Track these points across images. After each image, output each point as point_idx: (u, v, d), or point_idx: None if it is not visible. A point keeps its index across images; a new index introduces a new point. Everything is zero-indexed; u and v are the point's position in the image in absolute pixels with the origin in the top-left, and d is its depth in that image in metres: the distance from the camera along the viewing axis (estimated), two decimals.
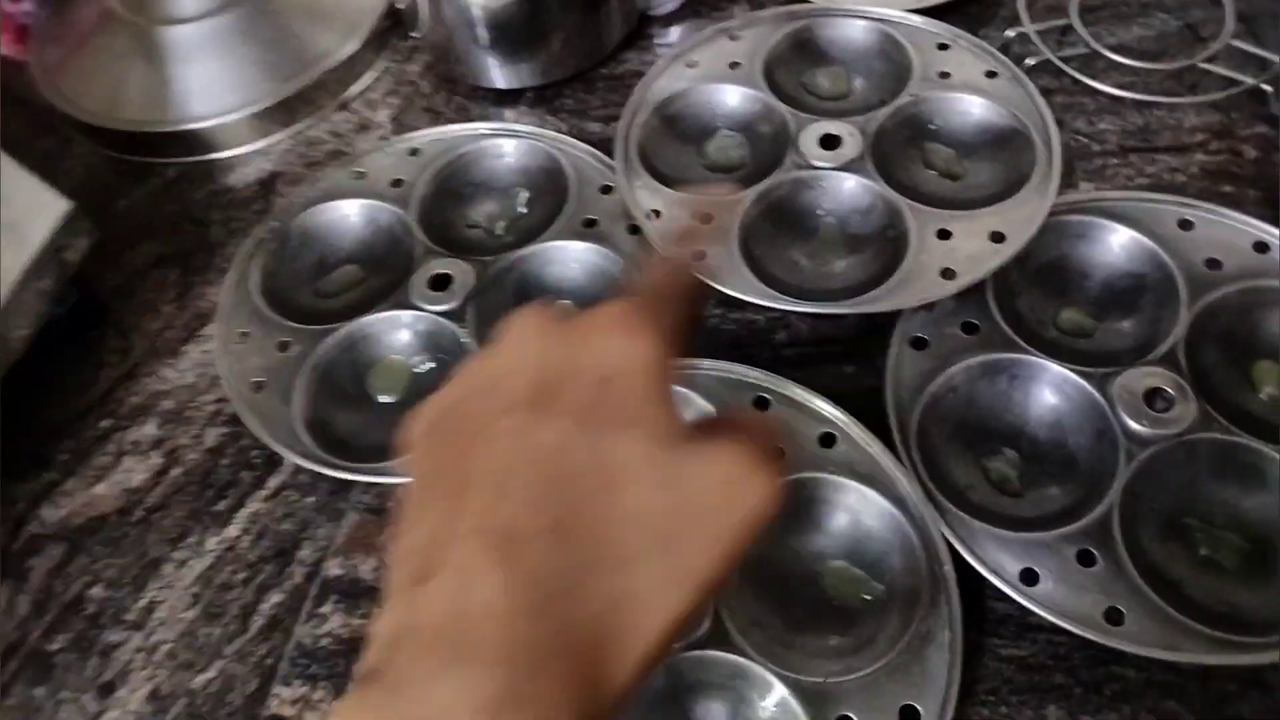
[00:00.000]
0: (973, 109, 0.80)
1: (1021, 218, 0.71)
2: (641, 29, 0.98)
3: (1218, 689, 0.58)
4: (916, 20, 0.87)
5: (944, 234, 0.71)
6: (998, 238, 0.70)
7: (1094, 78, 0.87)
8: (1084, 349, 0.68)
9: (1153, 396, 0.63)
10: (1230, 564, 0.59)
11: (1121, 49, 0.88)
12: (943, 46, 0.85)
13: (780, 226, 0.76)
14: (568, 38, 0.91)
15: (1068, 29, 0.89)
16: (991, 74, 0.82)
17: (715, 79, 0.85)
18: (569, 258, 0.76)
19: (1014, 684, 0.59)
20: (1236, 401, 0.64)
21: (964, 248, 0.70)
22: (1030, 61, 0.86)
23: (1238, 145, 0.82)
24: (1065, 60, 0.87)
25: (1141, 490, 0.60)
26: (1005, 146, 0.78)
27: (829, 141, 0.78)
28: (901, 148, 0.80)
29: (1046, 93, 0.83)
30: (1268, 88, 0.82)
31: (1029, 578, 0.58)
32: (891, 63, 0.85)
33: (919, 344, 0.68)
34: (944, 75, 0.82)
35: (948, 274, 0.69)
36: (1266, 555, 0.59)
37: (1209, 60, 0.85)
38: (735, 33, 0.88)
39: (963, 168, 0.79)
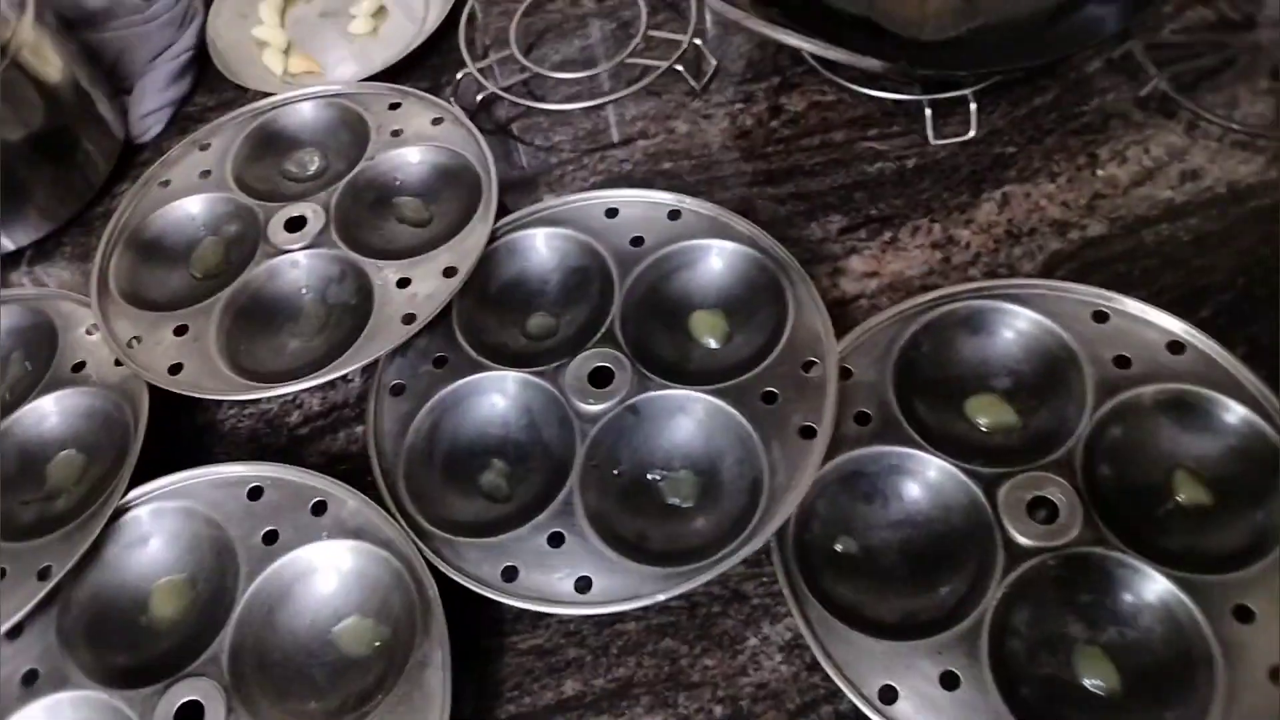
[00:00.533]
0: (422, 157, 0.85)
1: (469, 248, 0.76)
2: (133, 158, 0.98)
3: (705, 613, 0.64)
4: (369, 87, 0.90)
5: (404, 281, 0.75)
6: (450, 272, 0.74)
7: (544, 98, 0.93)
8: (546, 348, 0.73)
9: (597, 375, 0.68)
10: (692, 502, 0.65)
11: (565, 64, 0.95)
12: (394, 106, 0.89)
13: (268, 315, 0.78)
14: (46, 189, 0.92)
15: (511, 58, 0.94)
16: (437, 120, 0.87)
17: (186, 192, 0.86)
18: (58, 409, 0.75)
19: (534, 671, 0.63)
20: (656, 354, 0.71)
21: (422, 289, 0.74)
22: (480, 97, 0.91)
23: (671, 124, 0.89)
24: (509, 89, 0.92)
25: (596, 456, 0.66)
26: (459, 183, 0.83)
27: (294, 224, 0.80)
28: (371, 209, 0.83)
29: (509, 120, 0.89)
30: (679, 68, 0.89)
31: (509, 574, 0.62)
32: (353, 132, 0.89)
33: (398, 390, 0.72)
34: (396, 133, 0.86)
35: (408, 319, 0.72)
36: (713, 486, 0.65)
37: (635, 55, 0.91)
38: (204, 141, 0.90)
39: (430, 213, 0.83)
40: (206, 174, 0.87)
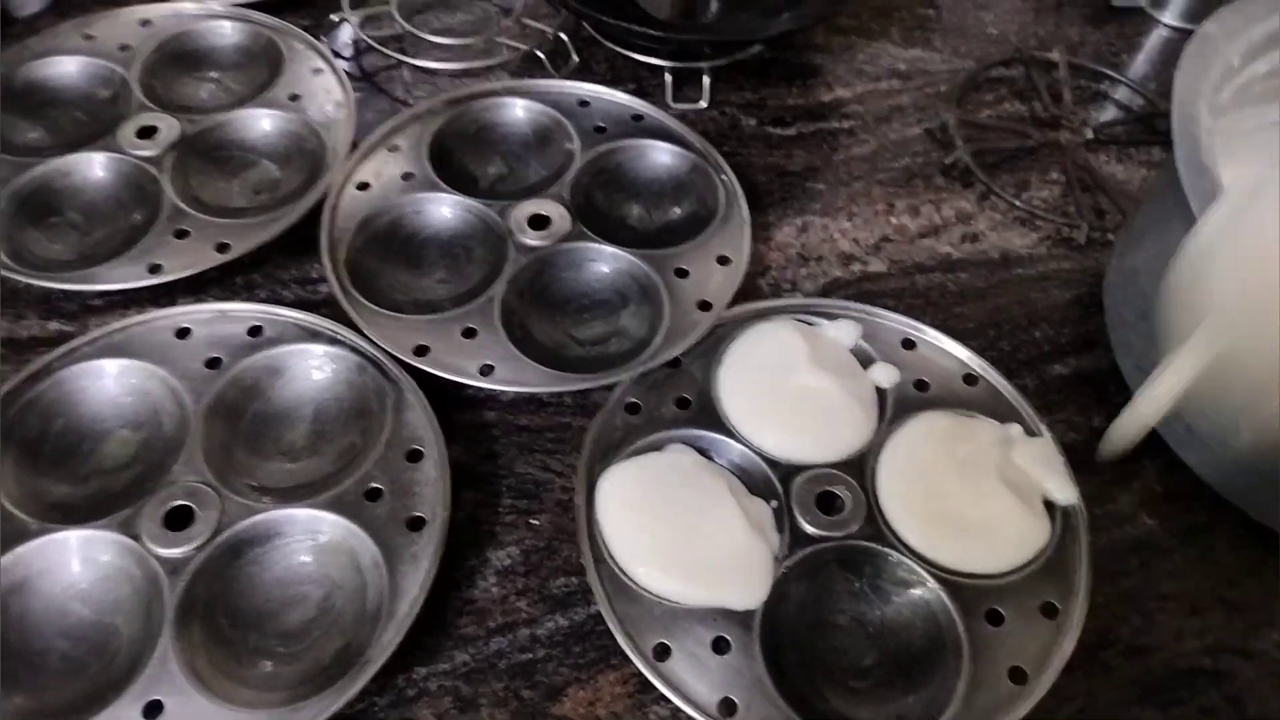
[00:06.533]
0: None
1: None
2: (3, 28, 0.84)
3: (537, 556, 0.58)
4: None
5: None
6: None
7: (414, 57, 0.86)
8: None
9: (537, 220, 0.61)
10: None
11: (442, 31, 0.88)
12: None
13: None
14: None
15: (389, 14, 0.87)
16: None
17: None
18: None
19: None
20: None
21: None
22: (342, 38, 0.84)
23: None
24: (383, 41, 0.85)
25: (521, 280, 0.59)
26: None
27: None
28: None
29: (376, 70, 0.81)
30: (540, 54, 0.84)
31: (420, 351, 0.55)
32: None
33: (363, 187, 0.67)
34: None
35: None
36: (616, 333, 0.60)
37: (504, 35, 0.86)
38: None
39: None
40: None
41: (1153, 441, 0.62)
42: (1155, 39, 0.95)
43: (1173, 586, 0.59)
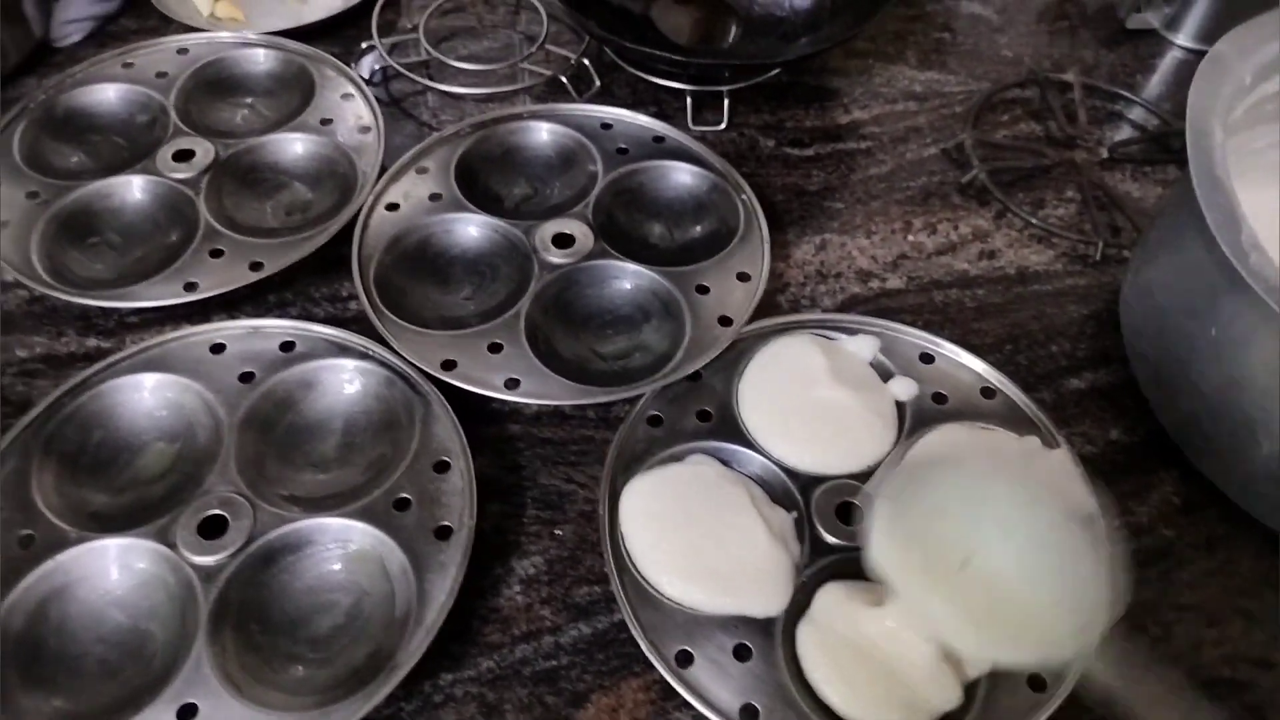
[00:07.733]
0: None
1: None
2: (47, 59, 0.87)
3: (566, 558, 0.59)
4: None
5: None
6: None
7: (441, 82, 0.87)
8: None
9: (561, 238, 0.62)
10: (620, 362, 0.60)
11: (468, 58, 0.89)
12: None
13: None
14: None
15: (416, 42, 0.89)
16: None
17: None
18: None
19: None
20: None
21: None
22: (378, 67, 0.85)
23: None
24: (411, 67, 0.86)
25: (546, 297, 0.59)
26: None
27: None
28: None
29: (403, 96, 0.82)
30: (564, 79, 0.85)
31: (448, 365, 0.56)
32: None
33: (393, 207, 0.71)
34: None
35: None
36: (639, 347, 0.61)
37: (529, 62, 0.87)
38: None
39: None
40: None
41: (1170, 453, 0.62)
42: (1169, 60, 0.95)
43: (1191, 597, 0.58)
